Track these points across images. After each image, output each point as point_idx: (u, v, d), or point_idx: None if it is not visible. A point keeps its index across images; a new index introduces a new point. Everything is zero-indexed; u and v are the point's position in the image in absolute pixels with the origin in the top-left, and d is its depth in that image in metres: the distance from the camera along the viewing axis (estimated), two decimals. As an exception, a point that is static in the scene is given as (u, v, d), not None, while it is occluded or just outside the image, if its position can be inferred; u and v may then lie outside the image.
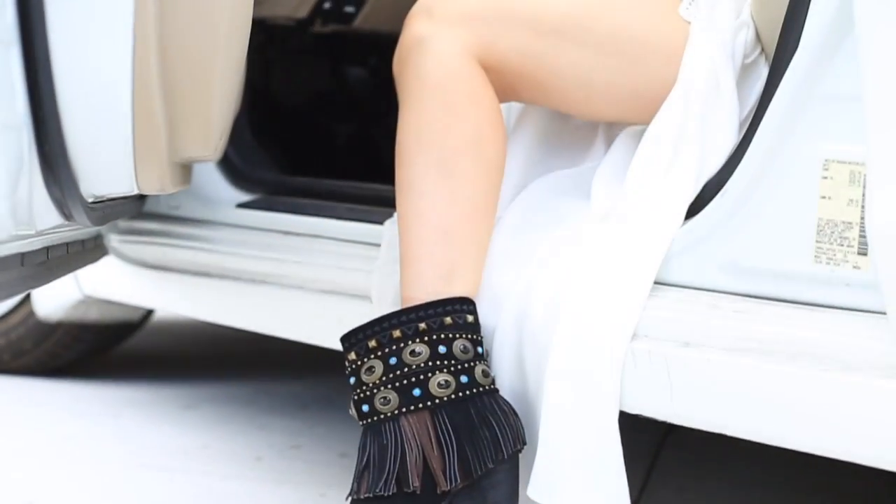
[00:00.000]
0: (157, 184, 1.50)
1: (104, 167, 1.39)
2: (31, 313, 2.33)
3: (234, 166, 2.04)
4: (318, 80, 2.53)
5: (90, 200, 1.41)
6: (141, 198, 1.79)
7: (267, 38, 2.34)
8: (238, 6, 1.51)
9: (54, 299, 2.26)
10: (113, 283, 2.11)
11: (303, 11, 2.34)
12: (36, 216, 1.33)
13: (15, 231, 1.30)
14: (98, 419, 2.17)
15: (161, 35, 1.44)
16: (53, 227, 1.38)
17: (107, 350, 2.54)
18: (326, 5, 2.36)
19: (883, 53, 1.12)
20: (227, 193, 2.01)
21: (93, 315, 2.32)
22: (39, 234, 1.38)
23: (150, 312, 2.49)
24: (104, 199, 1.47)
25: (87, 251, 1.82)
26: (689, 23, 1.43)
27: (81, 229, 1.60)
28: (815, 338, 1.23)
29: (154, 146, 1.47)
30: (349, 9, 2.39)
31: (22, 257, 1.42)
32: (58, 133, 1.32)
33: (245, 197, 2.00)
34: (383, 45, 2.19)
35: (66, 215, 1.36)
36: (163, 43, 1.45)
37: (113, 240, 2.04)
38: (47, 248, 1.51)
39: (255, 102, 2.19)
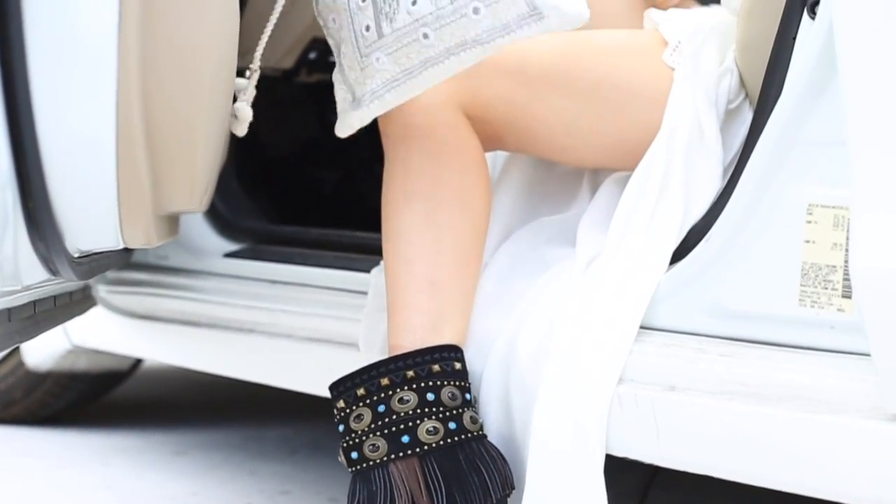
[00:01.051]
0: (142, 237, 1.48)
1: (89, 222, 1.38)
2: (21, 363, 2.32)
3: (221, 216, 2.03)
4: (305, 129, 2.53)
5: (76, 255, 1.40)
6: (127, 251, 1.78)
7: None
8: (222, 58, 1.50)
9: (44, 349, 2.25)
10: (102, 333, 2.10)
11: (288, 62, 2.34)
12: (22, 272, 1.31)
13: (1, 287, 1.28)
14: (87, 467, 2.15)
15: (145, 89, 1.43)
16: (40, 282, 1.37)
17: (96, 398, 2.52)
18: (312, 55, 2.37)
19: (866, 99, 1.13)
20: (215, 243, 2.00)
21: (82, 364, 2.31)
22: (26, 289, 1.37)
23: (139, 361, 2.48)
24: (90, 253, 1.46)
25: (74, 303, 1.80)
26: (673, 69, 1.43)
27: (69, 282, 1.59)
28: (800, 380, 1.23)
29: (139, 200, 1.45)
30: (334, 59, 2.39)
31: (9, 313, 1.41)
32: (42, 189, 1.31)
33: (232, 246, 1.99)
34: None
35: (52, 271, 1.35)
36: (147, 96, 1.44)
37: (101, 290, 2.03)
38: (34, 303, 1.49)
39: (242, 152, 2.18)
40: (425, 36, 1.37)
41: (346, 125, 1.45)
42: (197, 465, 2.17)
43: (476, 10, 1.34)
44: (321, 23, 1.49)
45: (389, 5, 1.41)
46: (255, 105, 1.51)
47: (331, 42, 1.49)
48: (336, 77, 1.49)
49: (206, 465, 2.17)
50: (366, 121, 1.43)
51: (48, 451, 2.26)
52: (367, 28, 1.42)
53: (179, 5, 1.44)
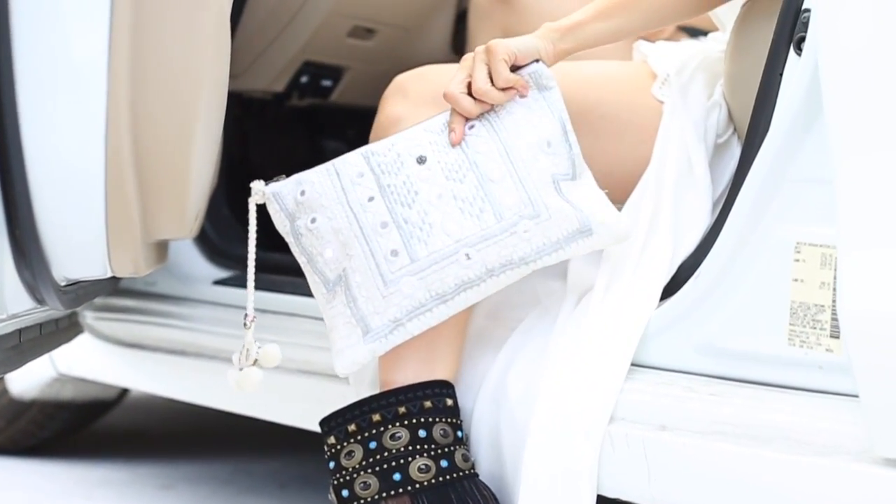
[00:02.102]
0: (130, 266, 1.52)
1: (77, 250, 1.41)
2: (5, 391, 2.33)
3: (210, 242, 2.05)
4: (296, 153, 2.55)
5: (63, 283, 1.43)
6: (115, 278, 1.81)
7: (244, 112, 2.37)
8: (213, 83, 1.54)
9: (28, 377, 2.26)
10: (88, 361, 2.12)
11: (279, 85, 2.37)
12: (7, 300, 1.34)
13: (-15, 316, 1.31)
14: (70, 499, 2.17)
15: (134, 114, 1.46)
16: (26, 311, 1.40)
17: (82, 428, 2.54)
18: (303, 79, 2.39)
19: (851, 136, 1.15)
20: (204, 270, 2.02)
21: (67, 393, 2.33)
22: (11, 317, 1.40)
23: (125, 390, 2.50)
24: (77, 281, 1.49)
25: (61, 331, 1.83)
26: (662, 102, 1.46)
27: (55, 310, 1.61)
28: (788, 422, 1.25)
29: (128, 227, 1.49)
30: (326, 83, 2.42)
31: (-7, 341, 1.44)
32: (29, 216, 1.34)
33: (222, 273, 2.01)
34: (360, 119, 2.22)
35: (39, 299, 1.38)
36: (136, 122, 1.47)
37: (88, 317, 2.05)
38: (19, 331, 1.52)
39: (233, 177, 2.20)
40: (467, 256, 1.39)
41: (352, 361, 1.41)
42: (184, 499, 2.19)
43: (527, 229, 1.38)
44: (301, 261, 1.48)
45: (421, 228, 1.41)
46: (247, 128, 1.56)
47: (315, 279, 1.46)
48: (336, 311, 1.46)
49: (194, 499, 2.19)
50: (378, 353, 1.41)
51: (30, 483, 2.27)
52: (394, 252, 1.41)
53: (170, 31, 1.47)
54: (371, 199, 1.44)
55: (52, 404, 2.36)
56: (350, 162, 1.47)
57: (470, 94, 1.42)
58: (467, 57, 1.46)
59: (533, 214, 1.39)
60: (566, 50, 1.44)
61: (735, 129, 1.47)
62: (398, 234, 1.42)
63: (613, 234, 1.35)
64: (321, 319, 1.48)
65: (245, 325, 1.47)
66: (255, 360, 1.47)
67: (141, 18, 1.43)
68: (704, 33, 1.76)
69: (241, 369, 1.47)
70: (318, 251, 1.46)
